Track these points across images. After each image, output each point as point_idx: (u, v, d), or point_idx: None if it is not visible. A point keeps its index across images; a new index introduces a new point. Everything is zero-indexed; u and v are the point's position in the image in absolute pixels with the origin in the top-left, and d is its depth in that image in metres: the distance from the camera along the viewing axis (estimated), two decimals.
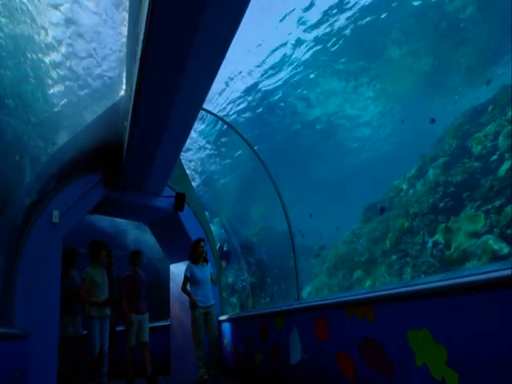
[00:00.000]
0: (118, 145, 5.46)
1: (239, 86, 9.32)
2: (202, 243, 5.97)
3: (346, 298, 3.63)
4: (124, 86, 5.17)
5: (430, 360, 2.62)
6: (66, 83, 4.97)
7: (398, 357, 2.93)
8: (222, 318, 7.18)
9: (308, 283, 13.05)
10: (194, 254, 5.87)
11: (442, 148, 11.17)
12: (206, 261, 6.00)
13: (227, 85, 8.91)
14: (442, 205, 9.01)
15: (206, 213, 8.51)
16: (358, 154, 16.03)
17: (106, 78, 5.06)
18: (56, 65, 4.71)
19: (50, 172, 5.04)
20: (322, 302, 4.02)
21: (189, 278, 5.70)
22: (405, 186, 12.27)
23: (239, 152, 8.80)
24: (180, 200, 7.13)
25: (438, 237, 8.42)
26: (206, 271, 5.87)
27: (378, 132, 14.89)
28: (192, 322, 5.67)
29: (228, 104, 9.37)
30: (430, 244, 8.61)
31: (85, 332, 5.62)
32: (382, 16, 10.48)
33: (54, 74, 4.80)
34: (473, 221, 7.73)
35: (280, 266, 11.06)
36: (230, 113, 9.54)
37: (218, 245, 8.51)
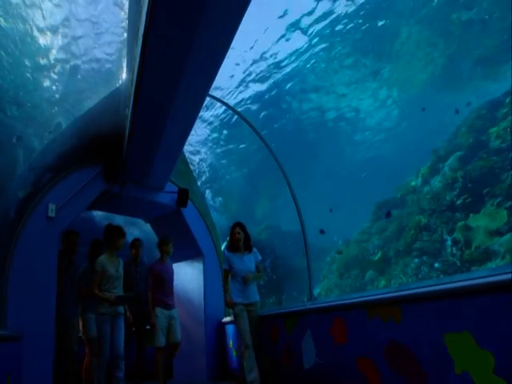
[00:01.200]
0: (119, 135, 5.18)
1: (247, 76, 9.07)
2: (238, 229, 5.07)
3: (367, 298, 3.33)
4: (125, 72, 4.88)
5: (473, 368, 2.32)
6: (62, 68, 4.68)
7: (431, 364, 2.63)
8: (227, 319, 6.89)
9: (316, 285, 12.70)
10: (230, 240, 5.07)
11: (457, 142, 10.83)
12: (248, 248, 5.00)
13: (234, 74, 8.68)
14: (460, 201, 8.65)
15: (207, 191, 8.13)
16: (366, 151, 15.76)
17: (105, 63, 4.78)
18: (51, 48, 4.42)
19: (45, 163, 4.76)
20: (339, 302, 3.72)
21: (228, 271, 4.86)
22: (418, 183, 11.92)
23: (244, 145, 8.54)
24: (183, 196, 6.89)
25: (457, 235, 8.04)
26: (247, 261, 4.91)
27: (387, 127, 14.62)
28: (234, 322, 4.90)
29: (236, 93, 9.10)
30: (449, 242, 8.23)
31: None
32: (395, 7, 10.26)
33: (49, 57, 4.52)
34: (494, 218, 7.37)
35: (286, 266, 10.75)
36: (237, 101, 9.27)
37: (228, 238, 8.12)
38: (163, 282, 5.45)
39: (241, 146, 8.97)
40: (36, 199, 4.77)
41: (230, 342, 6.72)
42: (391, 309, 3.03)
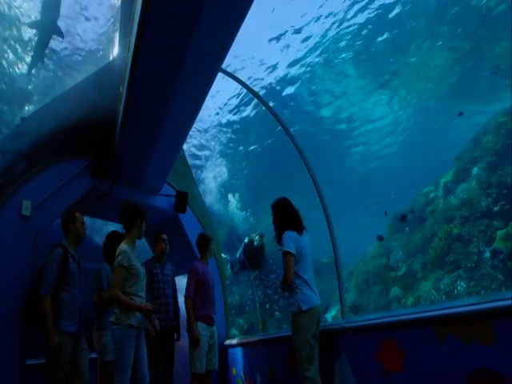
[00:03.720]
0: (110, 121, 4.46)
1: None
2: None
3: (436, 312, 2.60)
4: (117, 44, 4.19)
5: None
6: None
7: None
8: (230, 342, 6.09)
9: (331, 306, 11.71)
10: (290, 216, 3.75)
11: (483, 148, 10.26)
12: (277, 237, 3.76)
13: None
14: (497, 208, 7.95)
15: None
16: (377, 162, 15.25)
17: (94, 29, 4.08)
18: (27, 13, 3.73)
19: (17, 148, 3.99)
20: (390, 319, 2.98)
21: (294, 256, 3.48)
22: (439, 193, 11.29)
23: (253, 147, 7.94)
24: (182, 200, 6.25)
25: (499, 245, 7.28)
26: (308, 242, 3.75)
27: (400, 138, 14.20)
28: (301, 340, 3.31)
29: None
30: (487, 254, 7.47)
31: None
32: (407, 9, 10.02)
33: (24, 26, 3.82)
34: None
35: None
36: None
37: (247, 240, 7.31)
38: (207, 288, 4.60)
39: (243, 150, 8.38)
40: (7, 193, 3.98)
41: (234, 370, 5.89)
42: (476, 326, 2.31)
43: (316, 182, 4.51)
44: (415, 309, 2.93)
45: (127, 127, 4.29)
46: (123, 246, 3.55)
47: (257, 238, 7.76)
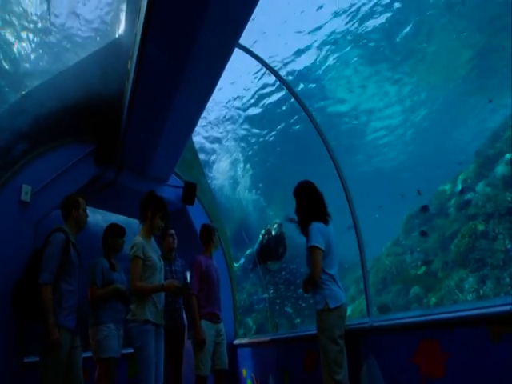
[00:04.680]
0: (116, 103, 4.17)
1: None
2: None
3: (488, 310, 2.28)
4: (123, 21, 3.90)
5: None
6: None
7: None
8: (239, 341, 5.80)
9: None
10: (316, 202, 3.39)
11: (506, 142, 9.95)
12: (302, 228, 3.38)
13: None
14: None
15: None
16: (388, 159, 14.93)
17: (99, 6, 3.80)
18: None
19: (16, 127, 3.69)
20: (432, 317, 2.67)
21: (322, 252, 3.15)
22: (457, 189, 10.96)
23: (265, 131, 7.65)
24: (190, 191, 6.00)
25: None
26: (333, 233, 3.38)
27: (412, 134, 13.89)
28: (328, 341, 3.00)
29: None
30: None
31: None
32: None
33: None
34: None
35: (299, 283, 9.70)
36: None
37: (264, 231, 6.85)
38: (211, 283, 4.36)
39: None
40: (5, 176, 3.70)
41: (244, 371, 5.59)
42: None
43: (340, 171, 4.19)
44: (460, 306, 2.62)
45: (134, 108, 3.99)
46: (137, 238, 3.53)
47: (275, 226, 7.41)
